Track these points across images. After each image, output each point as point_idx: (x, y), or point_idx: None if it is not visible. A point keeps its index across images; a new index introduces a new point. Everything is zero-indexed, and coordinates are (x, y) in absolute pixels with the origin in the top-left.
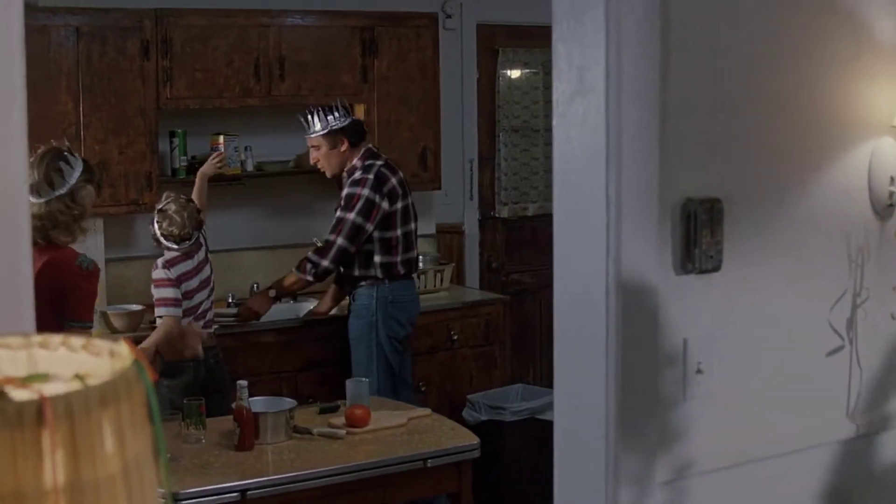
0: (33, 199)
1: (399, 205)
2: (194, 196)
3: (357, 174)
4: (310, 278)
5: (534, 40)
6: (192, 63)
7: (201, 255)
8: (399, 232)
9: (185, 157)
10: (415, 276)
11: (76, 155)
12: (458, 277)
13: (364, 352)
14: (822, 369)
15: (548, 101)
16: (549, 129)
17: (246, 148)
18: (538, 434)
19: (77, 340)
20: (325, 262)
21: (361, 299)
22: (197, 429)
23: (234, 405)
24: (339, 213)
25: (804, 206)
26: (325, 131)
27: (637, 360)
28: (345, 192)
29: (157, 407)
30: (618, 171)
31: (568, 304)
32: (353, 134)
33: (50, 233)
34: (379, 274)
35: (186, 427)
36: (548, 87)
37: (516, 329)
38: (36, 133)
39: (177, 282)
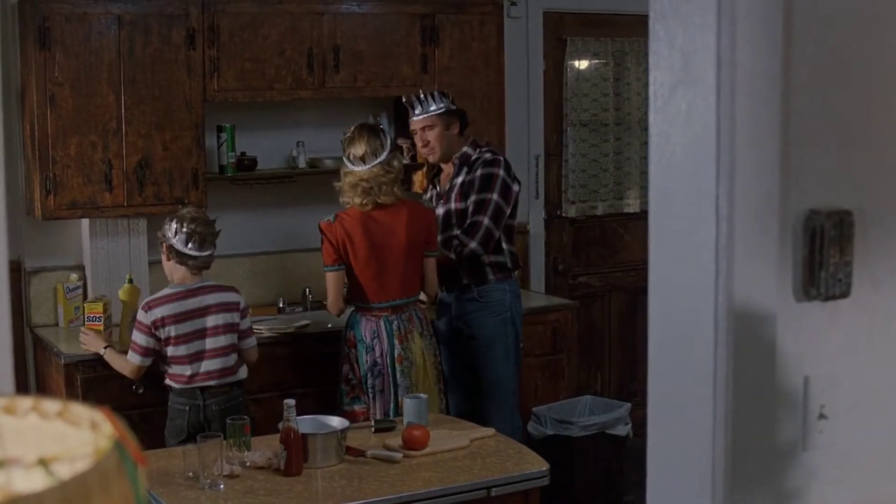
0: (357, 168)
1: (517, 194)
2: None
3: (487, 156)
4: (452, 256)
5: (604, 29)
6: (240, 53)
7: (208, 300)
8: (515, 222)
9: (233, 154)
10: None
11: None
12: (523, 280)
13: (501, 352)
14: None
15: (618, 94)
16: (619, 124)
17: (298, 143)
18: (609, 451)
19: (52, 405)
20: (473, 244)
21: (493, 294)
22: (241, 451)
23: (280, 426)
24: (476, 195)
25: None
26: (443, 110)
27: (749, 404)
28: (479, 172)
29: (144, 499)
30: (729, 177)
31: (667, 337)
32: (463, 120)
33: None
34: (509, 264)
35: (230, 448)
36: (618, 79)
37: (583, 335)
38: (75, 127)
39: (151, 327)
